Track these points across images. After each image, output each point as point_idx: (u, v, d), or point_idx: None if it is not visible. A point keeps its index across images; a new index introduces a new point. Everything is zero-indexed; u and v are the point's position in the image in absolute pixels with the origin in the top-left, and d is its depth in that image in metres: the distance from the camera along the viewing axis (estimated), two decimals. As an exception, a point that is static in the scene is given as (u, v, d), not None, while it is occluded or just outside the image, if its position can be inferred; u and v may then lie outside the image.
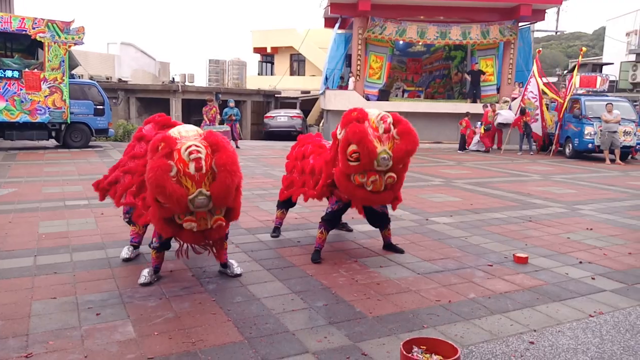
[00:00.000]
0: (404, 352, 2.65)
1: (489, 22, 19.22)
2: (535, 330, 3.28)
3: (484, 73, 19.95)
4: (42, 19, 13.38)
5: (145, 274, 4.00)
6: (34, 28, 13.23)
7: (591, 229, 6.12)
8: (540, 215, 6.87)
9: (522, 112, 16.32)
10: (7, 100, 13.13)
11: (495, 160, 14.19)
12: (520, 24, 19.69)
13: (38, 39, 13.36)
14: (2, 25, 12.94)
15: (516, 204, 7.60)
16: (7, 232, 5.40)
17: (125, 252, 4.60)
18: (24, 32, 13.24)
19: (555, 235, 5.80)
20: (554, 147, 16.04)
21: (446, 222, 6.32)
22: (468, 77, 19.97)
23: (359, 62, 19.81)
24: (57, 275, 4.12)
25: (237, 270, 4.19)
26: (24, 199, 7.15)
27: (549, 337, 3.20)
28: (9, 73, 13.19)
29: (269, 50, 35.24)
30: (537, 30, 25.24)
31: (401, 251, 4.96)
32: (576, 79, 15.93)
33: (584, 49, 16.89)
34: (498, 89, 19.82)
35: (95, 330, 3.17)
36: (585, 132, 14.61)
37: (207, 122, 15.53)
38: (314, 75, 31.46)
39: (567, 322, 3.42)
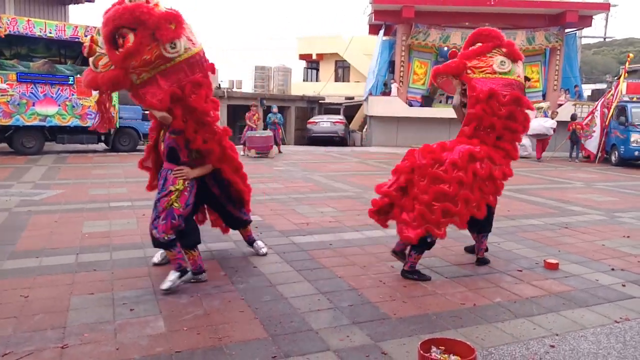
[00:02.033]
0: (422, 352, 2.70)
1: (534, 28, 18.90)
2: (557, 335, 3.26)
3: (529, 79, 19.40)
4: (94, 27, 13.95)
5: (172, 279, 3.94)
6: (86, 36, 13.80)
7: (628, 237, 5.96)
8: (577, 222, 6.73)
9: (573, 118, 15.94)
10: (59, 105, 13.74)
11: (538, 167, 13.88)
12: (566, 30, 19.26)
13: (90, 46, 13.96)
14: (56, 34, 13.56)
15: (554, 211, 7.45)
16: (52, 230, 5.69)
17: (157, 256, 4.66)
18: (76, 40, 13.82)
19: (590, 242, 5.69)
20: (599, 154, 15.61)
21: (479, 228, 6.26)
22: (513, 84, 19.61)
23: (402, 69, 19.79)
24: (96, 273, 4.33)
25: (263, 250, 4.74)
26: (71, 200, 7.48)
27: (571, 341, 3.18)
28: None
29: (314, 57, 35.50)
30: (585, 37, 24.60)
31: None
32: (623, 85, 15.48)
33: (631, 55, 16.39)
34: (544, 96, 19.43)
35: (128, 324, 3.33)
36: (632, 139, 14.29)
37: (251, 127, 15.86)
38: (358, 82, 31.54)
39: (591, 327, 3.39)
